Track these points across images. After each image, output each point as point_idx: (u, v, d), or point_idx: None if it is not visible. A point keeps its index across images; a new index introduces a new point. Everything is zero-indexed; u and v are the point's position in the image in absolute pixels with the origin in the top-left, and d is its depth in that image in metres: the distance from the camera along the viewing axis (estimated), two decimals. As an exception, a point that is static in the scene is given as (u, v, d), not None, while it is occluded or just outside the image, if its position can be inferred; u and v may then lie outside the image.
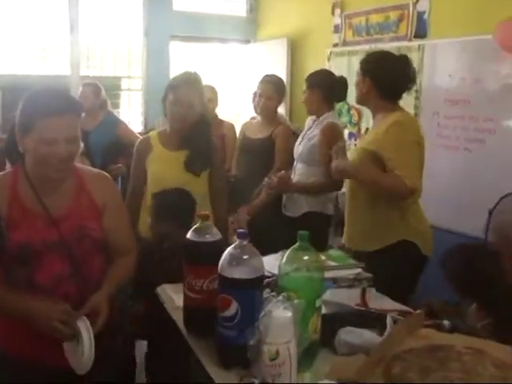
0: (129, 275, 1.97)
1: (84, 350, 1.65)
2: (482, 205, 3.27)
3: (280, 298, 1.40)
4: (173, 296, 2.06)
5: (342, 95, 3.51)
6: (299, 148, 3.47)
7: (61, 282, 1.77)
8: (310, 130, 3.45)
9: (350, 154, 2.85)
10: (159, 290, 2.15)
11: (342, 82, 3.45)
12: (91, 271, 1.84)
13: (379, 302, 1.95)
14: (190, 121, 2.67)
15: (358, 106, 4.18)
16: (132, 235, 2.05)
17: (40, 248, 1.73)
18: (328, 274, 1.84)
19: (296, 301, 1.42)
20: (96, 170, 2.03)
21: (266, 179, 3.41)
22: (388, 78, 2.64)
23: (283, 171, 3.44)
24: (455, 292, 2.14)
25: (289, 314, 1.36)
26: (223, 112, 4.72)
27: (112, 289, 1.85)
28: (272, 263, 1.84)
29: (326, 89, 3.39)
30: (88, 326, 1.68)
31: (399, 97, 2.70)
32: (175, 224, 2.54)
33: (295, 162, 3.53)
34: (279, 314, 1.36)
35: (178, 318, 1.87)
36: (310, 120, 3.56)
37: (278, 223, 3.42)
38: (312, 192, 3.37)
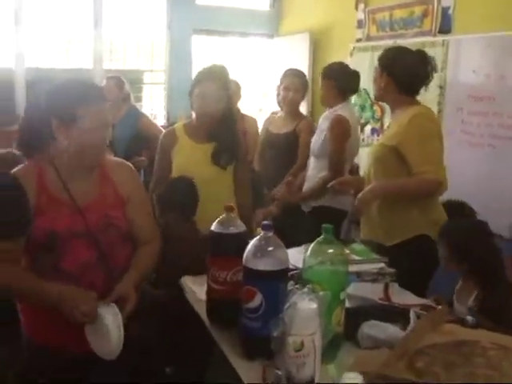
0: (153, 263, 1.98)
1: (112, 336, 1.67)
2: (507, 202, 3.25)
3: (305, 289, 1.40)
4: (193, 288, 2.08)
5: (355, 87, 3.50)
6: (313, 140, 3.46)
7: (87, 270, 1.79)
8: (322, 124, 3.43)
9: (370, 150, 2.84)
10: (182, 281, 2.18)
11: (355, 74, 3.46)
12: (117, 260, 1.86)
13: (402, 296, 1.95)
14: (216, 114, 2.67)
15: (380, 102, 4.15)
16: (155, 224, 2.07)
17: (66, 236, 1.76)
18: (351, 268, 1.84)
19: (321, 293, 1.42)
20: (119, 160, 2.04)
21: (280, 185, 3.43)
22: (406, 73, 2.63)
23: (289, 179, 3.45)
24: (448, 255, 2.20)
25: (314, 305, 1.37)
26: (245, 107, 4.72)
27: (138, 276, 1.86)
28: (296, 256, 1.84)
29: (339, 80, 3.37)
30: (117, 312, 1.70)
31: (417, 92, 2.69)
32: (180, 217, 2.56)
33: (310, 157, 3.51)
34: (305, 305, 1.36)
35: (201, 309, 1.89)
36: (325, 113, 3.55)
37: (298, 217, 3.42)
38: (320, 192, 3.34)
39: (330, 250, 1.57)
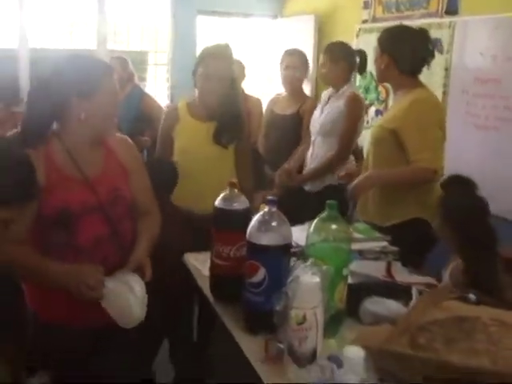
0: (157, 234, 2.00)
1: (137, 303, 1.70)
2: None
3: (308, 263, 1.41)
4: (196, 265, 2.10)
5: (362, 68, 3.52)
6: (320, 121, 3.43)
7: (100, 245, 1.81)
8: (331, 102, 3.42)
9: (370, 131, 2.83)
10: (184, 258, 2.19)
11: (362, 55, 3.47)
12: (126, 234, 1.88)
13: (405, 275, 1.96)
14: (220, 94, 2.65)
15: (386, 84, 4.13)
16: (154, 197, 2.08)
17: (79, 211, 1.77)
18: (354, 246, 1.84)
19: (324, 267, 1.43)
20: (121, 135, 2.04)
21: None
22: (406, 52, 2.60)
23: (285, 165, 3.44)
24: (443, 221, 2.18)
25: (317, 279, 1.38)
26: (249, 88, 4.69)
27: (148, 246, 1.89)
28: (299, 234, 1.84)
29: (350, 63, 3.40)
30: (138, 279, 1.73)
31: (418, 72, 2.66)
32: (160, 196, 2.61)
33: (314, 136, 3.49)
34: (307, 279, 1.37)
35: (204, 285, 1.91)
36: (327, 92, 3.54)
37: (302, 198, 3.41)
38: (323, 172, 3.37)
39: (334, 227, 1.58)
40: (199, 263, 2.07)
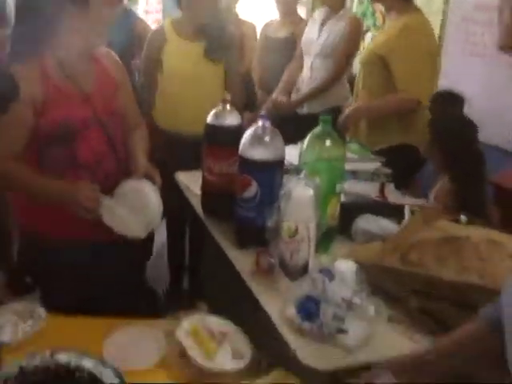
0: (148, 148, 1.96)
1: (156, 205, 1.68)
2: (510, 114, 3.22)
3: (301, 176, 1.38)
4: (188, 184, 2.08)
5: None
6: (320, 43, 3.33)
7: (101, 161, 1.78)
8: (330, 25, 3.32)
9: (361, 54, 2.80)
10: (176, 177, 2.17)
11: None
12: (122, 152, 1.86)
13: (397, 196, 1.94)
14: (207, 9, 2.60)
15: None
16: (139, 111, 2.06)
17: (79, 126, 1.73)
18: (347, 167, 1.82)
19: (317, 180, 1.40)
20: (104, 49, 1.96)
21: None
22: None
23: (274, 96, 3.38)
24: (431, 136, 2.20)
25: (310, 192, 1.36)
26: (245, 14, 4.55)
27: (145, 155, 1.86)
28: (292, 153, 1.81)
29: None
30: (150, 184, 1.71)
31: None
32: None
33: (311, 58, 3.37)
34: (300, 191, 1.35)
35: (196, 203, 1.90)
36: (320, 13, 3.44)
37: (295, 122, 3.36)
38: (318, 94, 3.33)
39: (328, 143, 1.55)
40: (191, 182, 2.05)
